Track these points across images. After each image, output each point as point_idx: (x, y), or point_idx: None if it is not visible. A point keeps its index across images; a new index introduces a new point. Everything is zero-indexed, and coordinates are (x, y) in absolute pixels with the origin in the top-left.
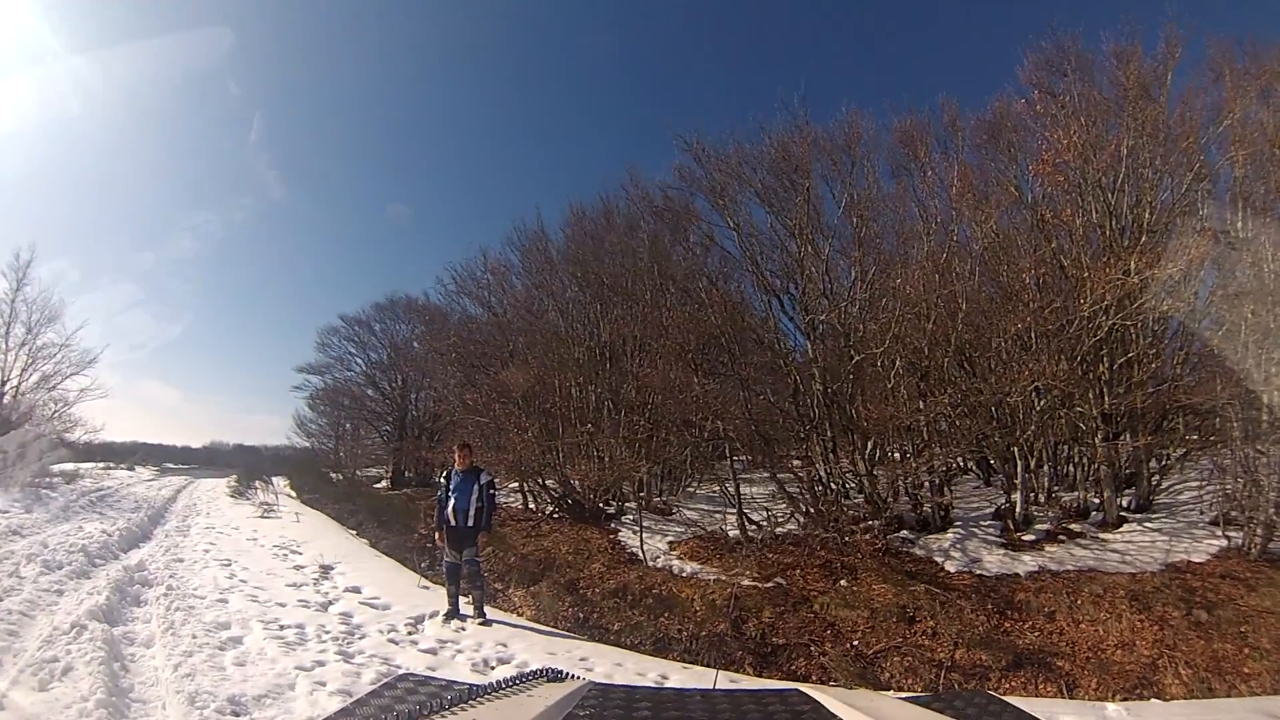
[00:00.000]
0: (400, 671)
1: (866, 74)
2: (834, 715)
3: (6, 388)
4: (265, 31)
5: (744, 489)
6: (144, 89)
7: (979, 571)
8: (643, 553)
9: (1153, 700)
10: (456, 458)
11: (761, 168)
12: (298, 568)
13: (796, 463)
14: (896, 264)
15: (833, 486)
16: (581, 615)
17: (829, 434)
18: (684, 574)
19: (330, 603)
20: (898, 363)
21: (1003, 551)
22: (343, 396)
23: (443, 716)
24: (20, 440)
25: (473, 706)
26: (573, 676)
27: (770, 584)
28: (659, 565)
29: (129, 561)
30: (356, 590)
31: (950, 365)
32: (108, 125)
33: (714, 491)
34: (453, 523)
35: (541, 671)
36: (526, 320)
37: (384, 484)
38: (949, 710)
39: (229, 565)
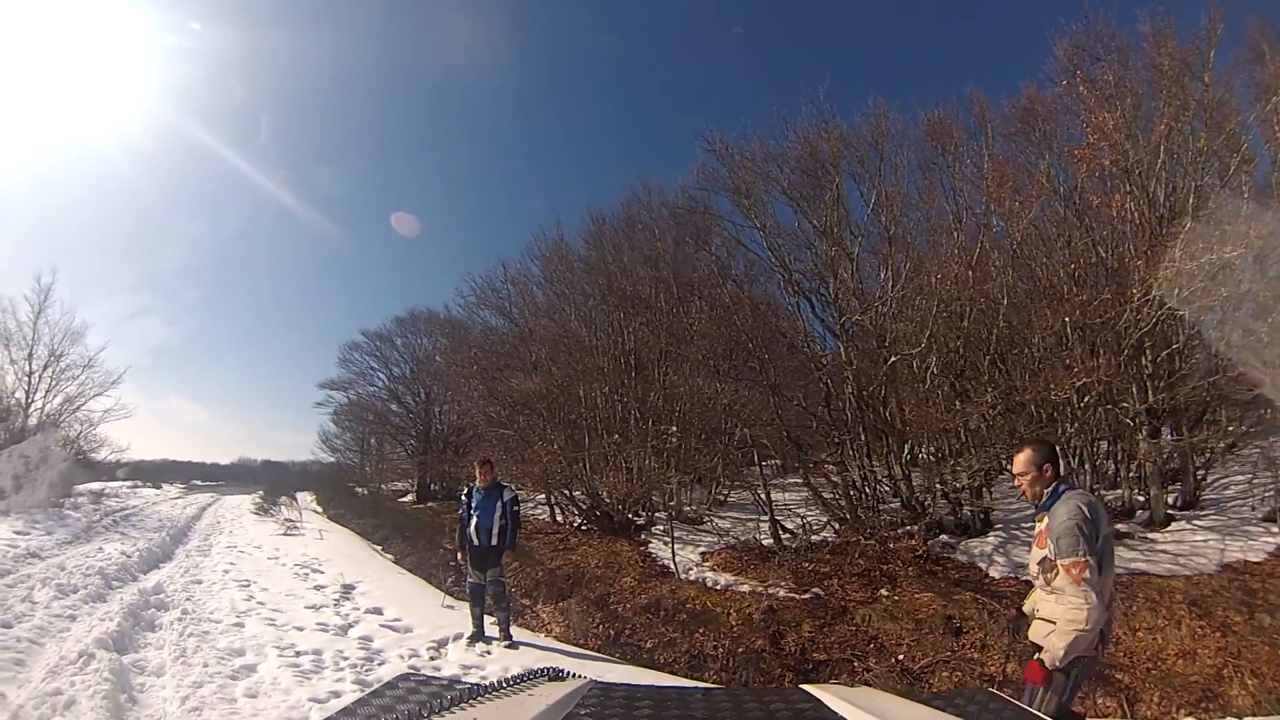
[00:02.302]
0: (401, 671)
1: (890, 67)
2: (835, 713)
3: (31, 410)
4: (279, 36)
5: (775, 496)
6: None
7: (1024, 577)
8: (675, 565)
9: (1224, 718)
10: (478, 474)
11: (788, 166)
12: (318, 588)
13: (829, 468)
14: (929, 262)
15: (867, 492)
16: (612, 632)
17: (864, 438)
18: (718, 586)
19: (350, 625)
20: (932, 363)
21: None
22: (366, 411)
23: (444, 716)
24: (25, 454)
25: (474, 706)
26: (573, 675)
27: (807, 595)
28: (692, 578)
29: (146, 584)
30: (378, 611)
31: (990, 364)
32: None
33: (744, 499)
34: (475, 542)
35: (542, 670)
36: (548, 330)
37: (409, 498)
38: (951, 708)
39: (248, 586)
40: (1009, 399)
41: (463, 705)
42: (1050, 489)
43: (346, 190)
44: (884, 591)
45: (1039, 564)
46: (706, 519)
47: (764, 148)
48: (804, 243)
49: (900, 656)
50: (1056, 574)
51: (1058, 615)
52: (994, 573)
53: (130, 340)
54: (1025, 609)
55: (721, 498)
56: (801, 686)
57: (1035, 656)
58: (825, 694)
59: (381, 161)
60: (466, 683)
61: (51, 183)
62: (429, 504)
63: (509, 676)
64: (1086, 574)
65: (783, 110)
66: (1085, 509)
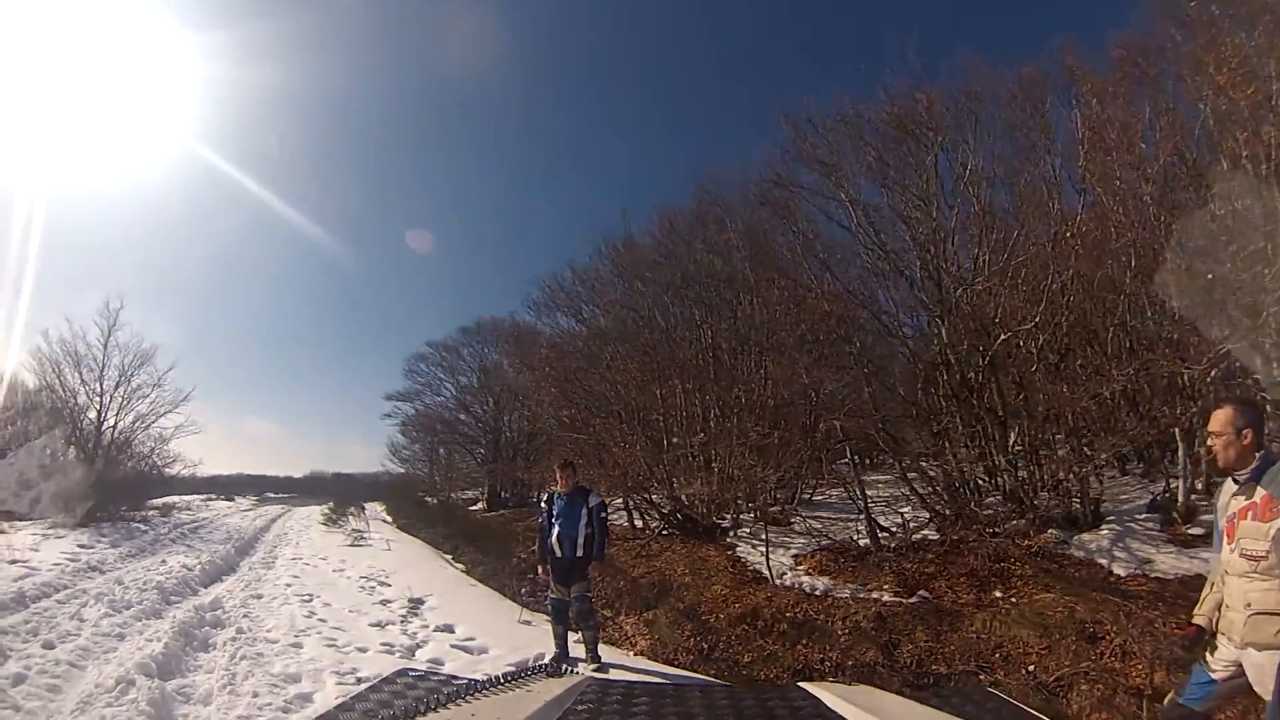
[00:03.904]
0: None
1: (968, 22)
2: (833, 711)
3: (104, 428)
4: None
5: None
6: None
7: (1153, 574)
8: (769, 570)
9: None
10: (558, 479)
11: (876, 135)
12: (384, 602)
13: (926, 462)
14: (1036, 232)
15: (969, 484)
16: (705, 646)
17: (973, 425)
18: (816, 592)
19: (418, 646)
20: (1041, 341)
21: (1172, 549)
22: (435, 422)
23: (442, 711)
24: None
25: (471, 701)
26: (571, 671)
27: (914, 599)
28: (787, 583)
29: (204, 599)
30: (449, 629)
31: (1112, 337)
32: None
33: (829, 497)
34: (558, 554)
35: (541, 666)
36: (622, 328)
37: (479, 506)
38: (948, 707)
39: (310, 601)
40: (1149, 372)
41: (460, 701)
42: (1259, 456)
43: (404, 206)
44: (997, 593)
45: (1272, 540)
46: (793, 519)
47: (851, 114)
48: (895, 218)
49: (1031, 667)
50: None
51: None
52: (1118, 570)
53: (197, 360)
54: (1199, 619)
55: (806, 496)
56: (799, 684)
57: None
58: (823, 691)
59: (430, 176)
60: (464, 678)
61: (116, 214)
62: (500, 511)
63: (507, 672)
64: None
65: (870, 74)
66: None
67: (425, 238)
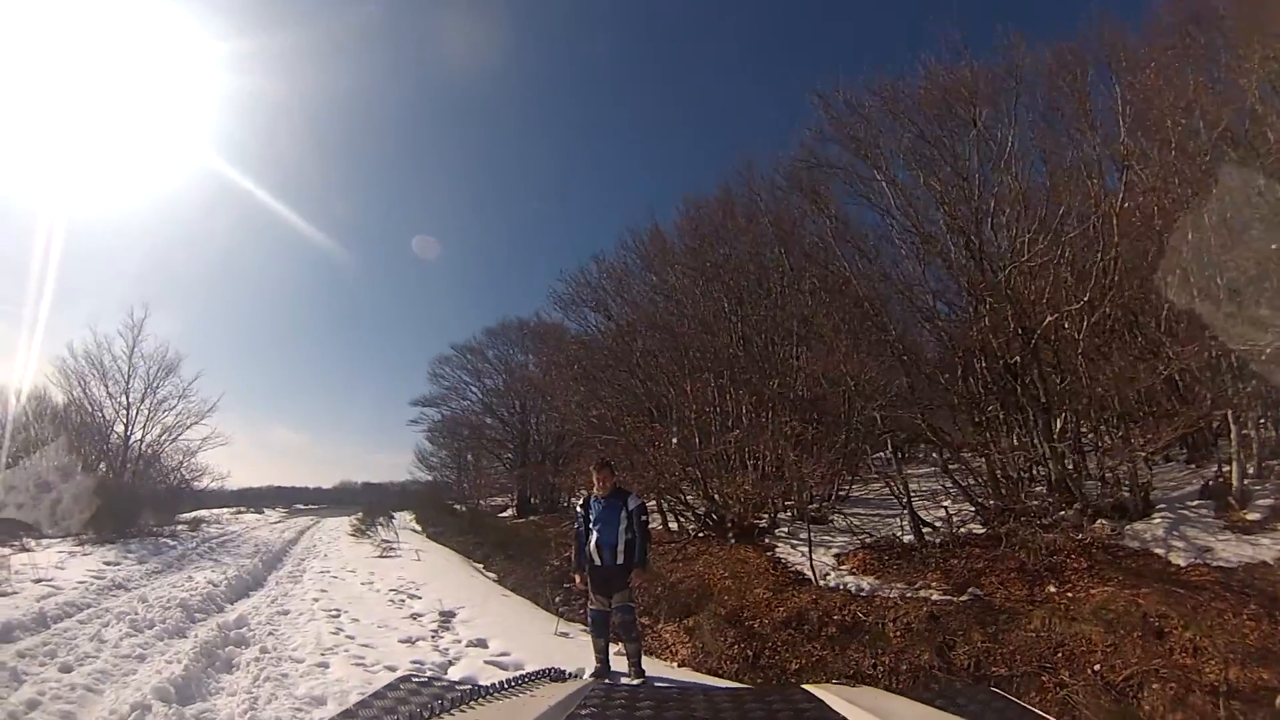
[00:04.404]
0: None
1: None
2: (836, 713)
3: (132, 441)
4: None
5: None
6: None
7: (1215, 563)
8: (812, 571)
9: None
10: (595, 481)
11: (917, 111)
12: (414, 616)
13: (969, 453)
14: (1078, 210)
15: (1011, 475)
16: (750, 653)
17: (1012, 414)
18: (863, 593)
19: (450, 663)
20: (1086, 324)
21: (1230, 537)
22: (461, 427)
23: (446, 717)
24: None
25: (475, 707)
26: (575, 676)
27: (965, 596)
28: (831, 584)
29: (229, 617)
30: (482, 644)
31: (1168, 316)
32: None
33: (866, 492)
34: (597, 561)
35: (544, 671)
36: (652, 321)
37: (509, 512)
38: (953, 708)
39: (337, 617)
40: (1200, 355)
41: (464, 707)
42: None
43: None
44: (1051, 588)
45: None
46: (831, 516)
47: (892, 88)
48: (935, 196)
49: (1097, 666)
50: None
51: None
52: (1177, 559)
53: (222, 372)
54: None
55: (842, 492)
56: (803, 686)
57: None
58: (826, 693)
59: (450, 180)
60: (468, 684)
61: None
62: (530, 518)
63: (511, 678)
64: None
65: (910, 50)
66: None
67: (431, 244)
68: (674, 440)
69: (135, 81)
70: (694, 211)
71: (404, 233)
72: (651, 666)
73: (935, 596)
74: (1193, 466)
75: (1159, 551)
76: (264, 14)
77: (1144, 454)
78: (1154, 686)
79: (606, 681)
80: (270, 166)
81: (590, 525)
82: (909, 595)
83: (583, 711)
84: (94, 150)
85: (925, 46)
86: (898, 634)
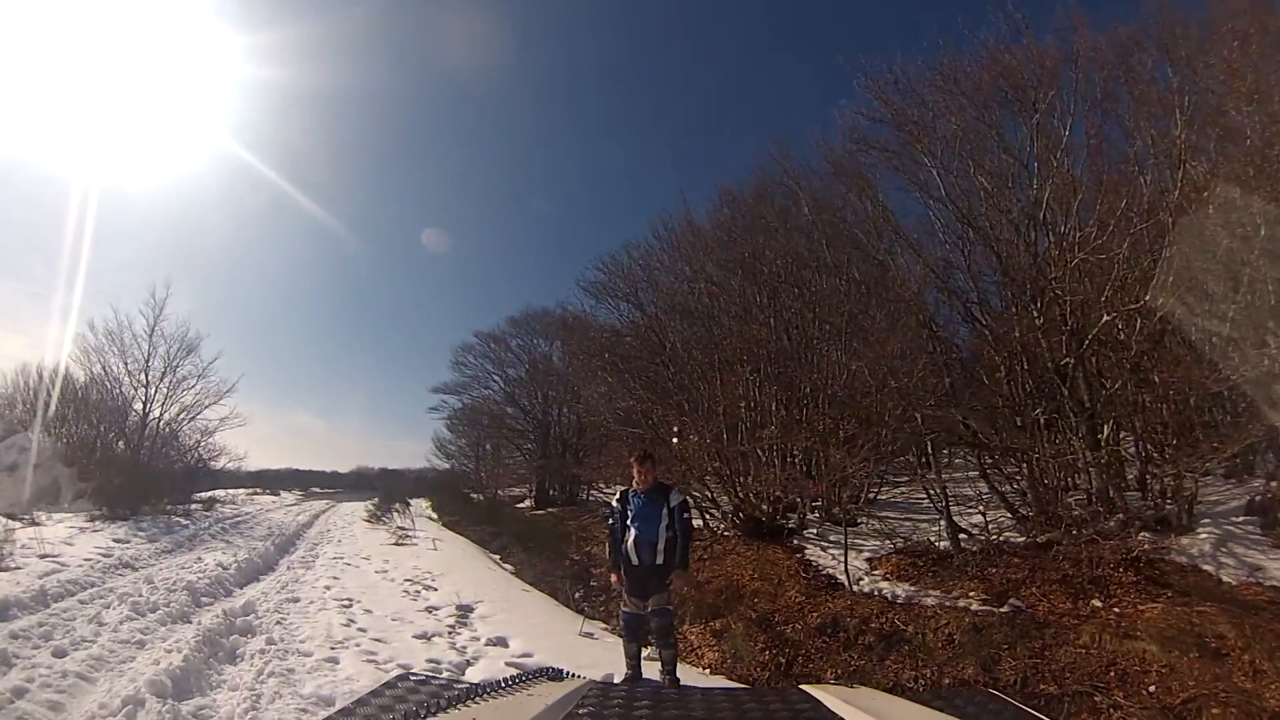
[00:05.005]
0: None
1: None
2: (834, 714)
3: (149, 419)
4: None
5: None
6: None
7: (1268, 582)
8: (846, 575)
9: None
10: (636, 474)
11: (975, 95)
12: (430, 609)
13: (1011, 457)
14: (1137, 205)
15: (1049, 483)
16: (783, 660)
17: (1058, 419)
18: (898, 600)
19: (469, 663)
20: (1139, 328)
21: None
22: (481, 416)
23: (442, 716)
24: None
25: (472, 706)
26: (573, 675)
27: (1006, 607)
28: (865, 589)
29: (235, 603)
30: (502, 643)
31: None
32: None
33: (896, 495)
34: (635, 561)
35: (542, 670)
36: (684, 312)
37: (527, 503)
38: (950, 709)
39: (349, 607)
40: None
41: (461, 706)
42: None
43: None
44: (1096, 602)
45: None
46: (860, 520)
47: (950, 67)
48: (986, 187)
49: (1152, 688)
50: None
51: None
52: (1226, 577)
53: (242, 354)
54: None
55: (872, 495)
56: (801, 687)
57: None
58: (824, 694)
59: (475, 171)
60: (465, 682)
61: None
62: (548, 509)
63: (508, 676)
64: None
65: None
66: None
67: (441, 238)
68: (704, 436)
69: (162, 73)
70: (729, 200)
71: (424, 225)
72: (697, 684)
73: (975, 606)
74: (1233, 481)
75: (1207, 568)
76: (283, 9)
77: (1203, 468)
78: (1214, 711)
79: (604, 682)
80: (293, 160)
81: (629, 522)
82: (947, 604)
83: (581, 711)
84: (126, 139)
85: (982, 26)
86: (938, 644)
